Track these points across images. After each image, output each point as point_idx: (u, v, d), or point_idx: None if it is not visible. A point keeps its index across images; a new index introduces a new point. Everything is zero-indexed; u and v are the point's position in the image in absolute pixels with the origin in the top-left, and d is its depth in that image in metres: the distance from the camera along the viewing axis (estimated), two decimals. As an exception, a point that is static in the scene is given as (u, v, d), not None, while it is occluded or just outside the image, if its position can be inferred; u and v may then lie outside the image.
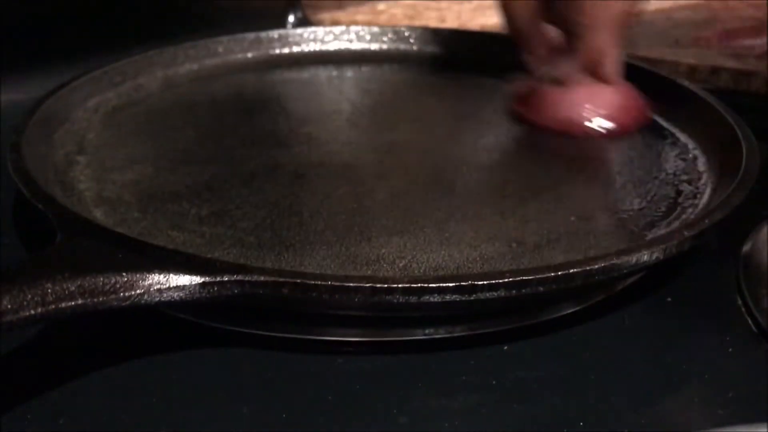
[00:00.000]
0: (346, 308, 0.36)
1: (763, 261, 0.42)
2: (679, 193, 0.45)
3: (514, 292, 0.34)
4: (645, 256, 0.36)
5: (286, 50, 0.62)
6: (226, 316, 0.37)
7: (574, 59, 0.52)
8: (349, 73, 0.61)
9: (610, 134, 0.51)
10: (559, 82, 0.52)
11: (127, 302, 0.33)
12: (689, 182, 0.46)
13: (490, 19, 0.76)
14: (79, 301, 0.32)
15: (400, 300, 0.34)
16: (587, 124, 0.51)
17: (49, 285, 0.32)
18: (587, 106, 0.51)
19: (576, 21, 0.51)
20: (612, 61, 0.51)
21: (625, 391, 0.35)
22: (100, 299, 0.32)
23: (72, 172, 0.46)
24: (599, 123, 0.51)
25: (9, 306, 0.31)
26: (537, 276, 0.35)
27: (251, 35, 0.61)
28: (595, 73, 0.51)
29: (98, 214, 0.42)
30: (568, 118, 0.51)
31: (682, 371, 0.37)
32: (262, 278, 0.34)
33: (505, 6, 0.54)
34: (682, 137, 0.50)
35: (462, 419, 0.34)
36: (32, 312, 0.31)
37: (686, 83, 0.53)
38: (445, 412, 0.34)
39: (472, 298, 0.34)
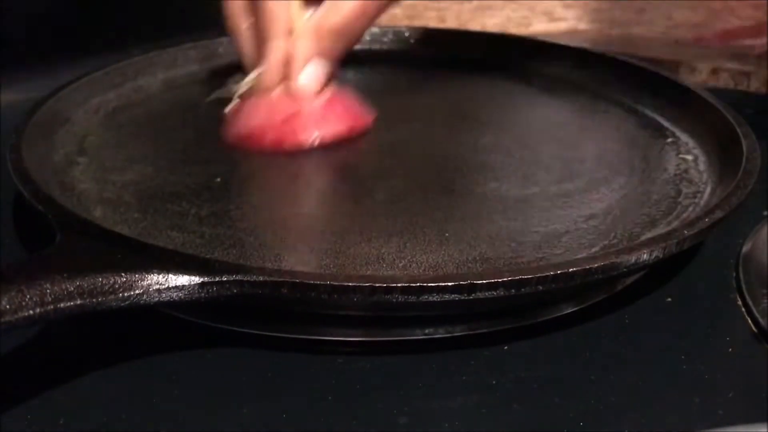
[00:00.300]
0: (346, 308, 0.36)
1: (762, 261, 0.42)
2: (679, 192, 0.45)
3: (513, 291, 0.34)
4: (645, 256, 0.36)
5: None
6: (225, 316, 0.38)
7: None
8: (349, 73, 0.61)
9: (321, 144, 0.49)
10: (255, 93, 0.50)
11: (127, 302, 0.33)
12: (689, 181, 0.46)
13: (490, 19, 0.76)
14: (78, 302, 0.32)
15: (400, 299, 0.34)
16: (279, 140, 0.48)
17: (48, 285, 0.32)
18: (269, 121, 0.49)
19: (260, 25, 0.50)
20: (301, 72, 0.49)
21: (625, 391, 0.35)
22: (100, 299, 0.32)
23: (72, 173, 0.46)
24: (289, 138, 0.48)
25: (8, 306, 0.31)
26: (536, 275, 0.35)
27: (252, 36, 0.61)
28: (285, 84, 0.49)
29: (98, 215, 0.42)
30: (249, 136, 0.49)
31: (682, 371, 0.37)
32: (261, 278, 0.34)
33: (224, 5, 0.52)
34: (682, 137, 0.50)
35: (462, 419, 0.34)
36: (31, 312, 0.31)
37: (686, 83, 0.53)
38: (445, 412, 0.34)
39: (471, 297, 0.34)
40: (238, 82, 0.51)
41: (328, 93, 0.50)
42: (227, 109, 0.50)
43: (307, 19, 0.49)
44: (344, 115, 0.50)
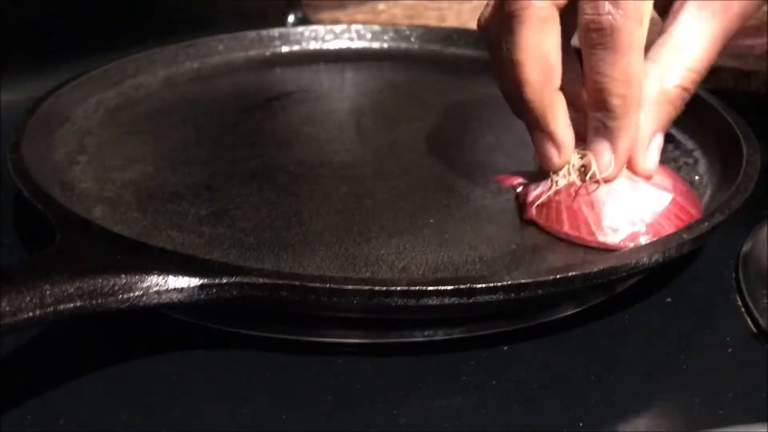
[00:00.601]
0: (345, 310, 0.36)
1: (762, 261, 0.42)
2: (679, 193, 0.45)
3: (513, 295, 0.34)
4: (645, 259, 0.36)
5: (286, 49, 0.62)
6: (225, 318, 0.38)
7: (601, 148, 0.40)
8: (350, 72, 0.61)
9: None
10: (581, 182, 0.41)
11: (126, 304, 0.33)
12: (690, 183, 0.45)
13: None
14: (78, 304, 0.32)
15: (399, 303, 0.34)
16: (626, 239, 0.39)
17: (47, 287, 0.32)
18: (627, 218, 0.40)
19: (613, 92, 0.38)
20: (654, 150, 0.41)
21: (625, 391, 0.35)
22: (99, 301, 0.32)
23: (72, 172, 0.46)
24: (638, 235, 0.39)
25: (8, 308, 0.31)
26: (536, 280, 0.35)
27: (252, 34, 0.61)
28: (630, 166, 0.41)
29: (98, 214, 0.42)
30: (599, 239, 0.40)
31: (682, 371, 0.37)
32: (260, 280, 0.34)
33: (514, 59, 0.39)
34: (682, 137, 0.50)
35: (462, 419, 0.34)
36: (31, 314, 0.31)
37: (686, 83, 0.53)
38: (445, 412, 0.34)
39: (470, 301, 0.34)
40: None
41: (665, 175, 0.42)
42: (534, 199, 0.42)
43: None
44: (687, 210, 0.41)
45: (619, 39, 0.38)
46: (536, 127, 0.41)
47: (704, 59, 0.40)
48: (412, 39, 0.63)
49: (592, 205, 0.40)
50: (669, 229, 0.39)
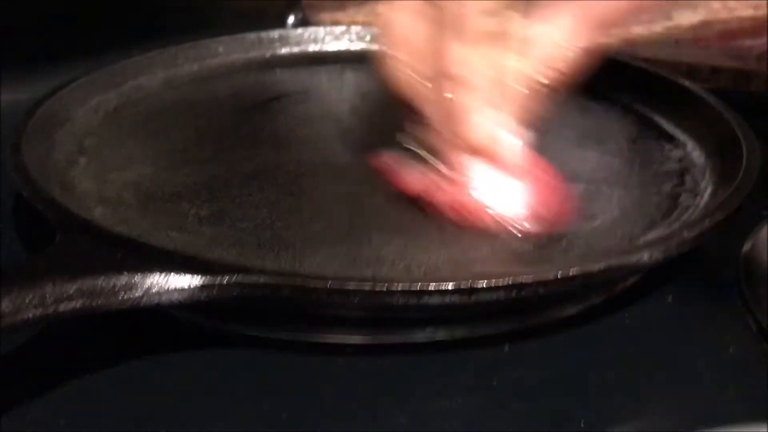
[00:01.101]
0: (346, 310, 0.36)
1: (763, 261, 0.42)
2: (678, 193, 0.45)
3: (513, 294, 0.34)
4: (645, 258, 0.36)
5: (286, 50, 0.62)
6: (226, 317, 0.38)
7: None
8: (350, 73, 0.61)
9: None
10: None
11: (127, 304, 0.33)
12: (689, 182, 0.46)
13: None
14: (79, 303, 0.32)
15: (400, 302, 0.34)
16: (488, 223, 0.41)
17: (48, 287, 0.32)
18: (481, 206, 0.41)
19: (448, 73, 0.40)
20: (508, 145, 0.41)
21: (625, 391, 0.35)
22: (100, 301, 0.32)
23: (72, 172, 0.46)
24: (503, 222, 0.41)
25: (8, 308, 0.31)
26: (537, 278, 0.35)
27: (252, 35, 0.61)
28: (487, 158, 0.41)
29: (98, 215, 0.42)
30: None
31: (682, 371, 0.37)
32: (261, 280, 0.34)
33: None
34: (682, 137, 0.50)
35: (462, 419, 0.34)
36: (31, 314, 0.31)
37: (686, 83, 0.53)
38: (445, 412, 0.34)
39: (471, 299, 0.34)
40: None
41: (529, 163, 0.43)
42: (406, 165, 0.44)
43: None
44: (553, 199, 0.42)
45: (458, 26, 0.40)
46: None
47: (553, 53, 0.41)
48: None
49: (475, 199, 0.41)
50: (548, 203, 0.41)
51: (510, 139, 0.41)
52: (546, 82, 0.41)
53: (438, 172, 0.42)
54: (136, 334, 0.37)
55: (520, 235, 0.41)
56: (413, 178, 0.43)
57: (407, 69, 0.42)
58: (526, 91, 0.41)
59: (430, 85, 0.42)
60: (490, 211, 0.41)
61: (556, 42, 0.41)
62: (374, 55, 0.44)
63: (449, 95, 0.41)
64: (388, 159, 0.45)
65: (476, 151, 0.41)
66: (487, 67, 0.41)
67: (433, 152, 0.42)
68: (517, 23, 0.41)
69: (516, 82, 0.41)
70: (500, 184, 0.42)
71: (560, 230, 0.41)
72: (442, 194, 0.42)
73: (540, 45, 0.41)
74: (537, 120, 0.42)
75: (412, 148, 0.44)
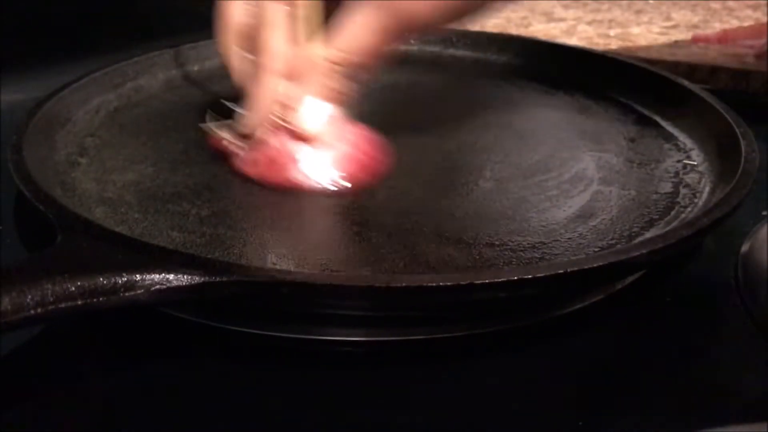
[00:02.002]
0: (346, 308, 0.36)
1: (762, 261, 0.42)
2: (677, 192, 0.45)
3: (512, 292, 0.35)
4: (644, 257, 0.36)
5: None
6: (226, 316, 0.38)
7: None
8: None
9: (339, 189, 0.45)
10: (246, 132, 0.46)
11: (127, 303, 0.33)
12: (688, 182, 0.46)
13: (490, 19, 0.76)
14: (79, 302, 0.32)
15: (400, 300, 0.34)
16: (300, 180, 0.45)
17: (49, 286, 0.32)
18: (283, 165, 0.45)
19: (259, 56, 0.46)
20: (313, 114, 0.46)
21: (625, 391, 0.35)
22: (100, 300, 0.32)
23: (73, 173, 0.46)
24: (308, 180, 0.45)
25: (9, 307, 0.31)
26: (535, 276, 0.35)
27: (252, 36, 0.61)
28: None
29: (99, 215, 0.42)
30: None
31: (681, 371, 0.37)
32: (261, 279, 0.34)
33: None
34: (682, 137, 0.50)
35: (462, 418, 0.34)
36: (32, 313, 0.31)
37: (686, 83, 0.53)
38: (445, 411, 0.34)
39: (471, 298, 0.34)
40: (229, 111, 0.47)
41: (338, 132, 0.47)
42: (224, 141, 0.47)
43: (309, 49, 0.46)
44: (360, 160, 0.47)
45: (265, 16, 0.46)
46: None
47: (353, 41, 0.45)
48: (412, 41, 0.63)
49: (270, 157, 0.46)
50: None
51: (314, 112, 0.46)
52: (343, 64, 0.45)
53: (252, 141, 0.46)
54: (135, 333, 0.37)
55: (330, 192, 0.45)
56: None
57: (238, 54, 0.47)
58: (327, 73, 0.45)
59: (252, 68, 0.46)
60: (302, 172, 0.45)
61: (351, 31, 0.44)
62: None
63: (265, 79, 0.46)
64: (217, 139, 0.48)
65: (288, 128, 0.46)
66: (294, 54, 0.46)
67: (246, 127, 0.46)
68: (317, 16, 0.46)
69: (317, 66, 0.45)
70: (312, 152, 0.46)
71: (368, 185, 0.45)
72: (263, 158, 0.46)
73: (341, 33, 0.45)
74: (344, 97, 0.46)
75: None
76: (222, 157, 0.47)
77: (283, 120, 0.46)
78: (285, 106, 0.46)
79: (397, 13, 0.44)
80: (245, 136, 0.47)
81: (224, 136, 0.47)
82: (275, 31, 0.46)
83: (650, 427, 0.34)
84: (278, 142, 0.46)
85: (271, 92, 0.46)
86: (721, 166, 0.45)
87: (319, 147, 0.46)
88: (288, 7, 0.45)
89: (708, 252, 0.43)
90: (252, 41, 0.47)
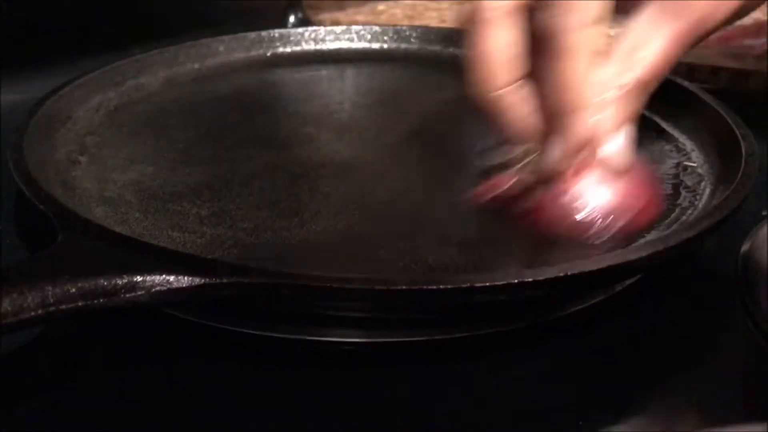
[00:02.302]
0: (346, 309, 0.36)
1: (762, 261, 0.42)
2: (677, 194, 0.45)
3: (512, 294, 0.35)
4: (644, 259, 0.36)
5: (287, 49, 0.62)
6: (226, 317, 0.38)
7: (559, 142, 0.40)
8: (350, 72, 0.61)
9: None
10: (544, 177, 0.41)
11: (128, 304, 0.33)
12: (688, 183, 0.46)
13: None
14: (80, 303, 0.32)
15: (400, 302, 0.34)
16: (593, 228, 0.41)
17: (49, 287, 0.32)
18: (587, 208, 0.41)
19: (562, 92, 0.40)
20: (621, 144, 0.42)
21: (625, 391, 0.35)
22: (101, 300, 0.32)
23: (73, 172, 0.46)
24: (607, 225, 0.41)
25: (9, 308, 0.31)
26: (536, 278, 0.35)
27: (252, 35, 0.61)
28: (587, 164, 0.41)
29: (99, 214, 0.42)
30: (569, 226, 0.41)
31: (681, 371, 0.37)
32: (261, 280, 0.34)
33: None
34: (681, 137, 0.50)
35: (462, 419, 0.34)
36: (32, 314, 0.31)
37: (686, 83, 0.53)
38: (445, 412, 0.34)
39: (471, 300, 0.34)
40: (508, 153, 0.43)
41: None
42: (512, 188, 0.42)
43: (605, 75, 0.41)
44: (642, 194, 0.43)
45: (562, 43, 0.39)
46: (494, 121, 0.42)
47: (660, 56, 0.41)
48: (412, 40, 0.63)
49: (564, 203, 0.41)
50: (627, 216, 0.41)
51: (619, 144, 0.41)
52: (651, 83, 0.42)
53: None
54: (135, 333, 0.37)
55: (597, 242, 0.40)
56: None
57: (492, 83, 0.41)
58: (634, 98, 0.41)
59: (516, 97, 0.41)
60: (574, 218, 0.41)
61: (656, 45, 0.41)
62: (462, 62, 0.42)
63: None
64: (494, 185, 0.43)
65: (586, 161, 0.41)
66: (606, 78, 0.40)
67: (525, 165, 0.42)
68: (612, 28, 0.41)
69: (615, 87, 0.41)
70: (599, 192, 0.41)
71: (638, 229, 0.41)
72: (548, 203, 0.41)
73: (643, 48, 0.41)
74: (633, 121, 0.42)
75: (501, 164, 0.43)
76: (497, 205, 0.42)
77: (592, 156, 0.40)
78: (593, 141, 0.40)
79: (691, 16, 0.41)
80: (542, 178, 0.41)
81: (526, 178, 0.42)
82: (578, 58, 0.39)
83: (650, 427, 0.34)
84: (580, 183, 0.41)
85: (585, 128, 0.40)
86: (722, 168, 0.45)
87: (617, 184, 0.41)
88: (593, 27, 0.39)
89: (708, 252, 0.43)
90: (524, 72, 0.41)
